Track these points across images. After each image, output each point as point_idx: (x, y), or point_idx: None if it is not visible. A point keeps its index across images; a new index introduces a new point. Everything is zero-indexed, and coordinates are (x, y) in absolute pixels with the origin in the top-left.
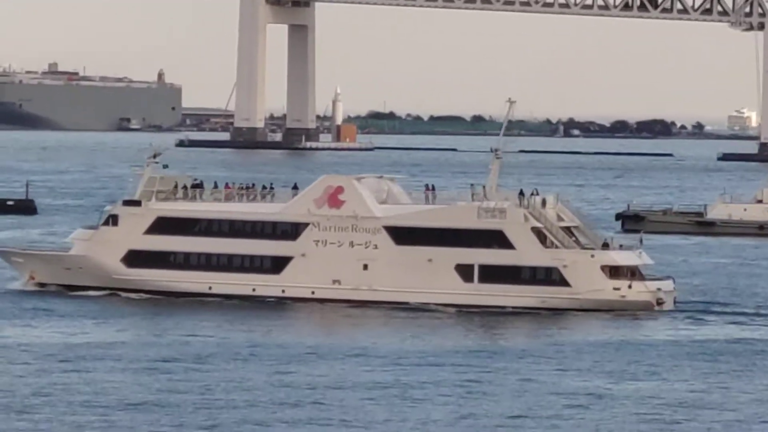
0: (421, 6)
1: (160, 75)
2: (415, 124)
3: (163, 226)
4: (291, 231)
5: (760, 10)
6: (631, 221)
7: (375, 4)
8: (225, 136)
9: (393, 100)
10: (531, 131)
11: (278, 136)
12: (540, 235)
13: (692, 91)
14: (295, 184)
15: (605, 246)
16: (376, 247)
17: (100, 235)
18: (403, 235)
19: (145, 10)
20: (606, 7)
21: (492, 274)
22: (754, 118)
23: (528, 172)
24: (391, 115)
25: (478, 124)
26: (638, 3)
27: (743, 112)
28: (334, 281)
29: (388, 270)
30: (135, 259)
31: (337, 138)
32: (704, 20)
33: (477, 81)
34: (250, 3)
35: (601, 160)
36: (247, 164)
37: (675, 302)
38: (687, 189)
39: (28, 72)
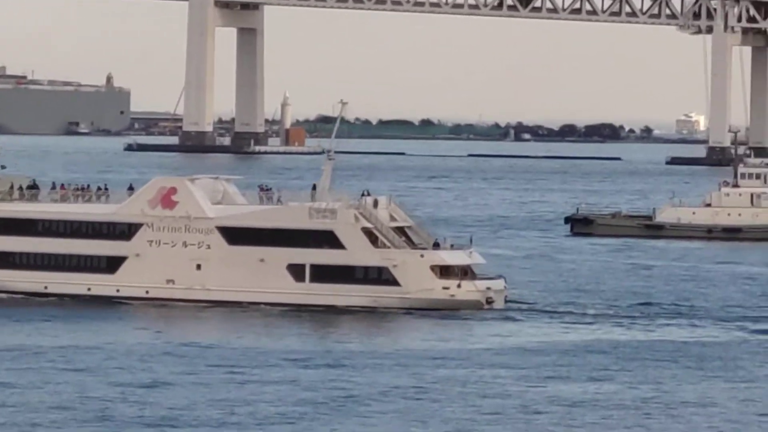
0: (370, 9)
1: (109, 79)
2: (364, 128)
3: None
4: (125, 231)
5: (708, 14)
6: (581, 224)
7: (324, 7)
8: (174, 140)
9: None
10: (480, 135)
11: (227, 140)
12: (370, 236)
13: (641, 94)
14: (131, 185)
15: (436, 246)
16: (209, 247)
17: None
18: (236, 235)
19: (94, 14)
20: (555, 10)
21: (323, 273)
22: (702, 122)
23: (476, 176)
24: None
25: (427, 128)
26: (587, 7)
27: (691, 116)
28: (168, 281)
29: (221, 270)
30: None
31: (286, 142)
32: (653, 23)
33: (426, 85)
34: (199, 6)
35: (549, 164)
36: (195, 168)
37: (505, 301)
38: (636, 192)
39: None
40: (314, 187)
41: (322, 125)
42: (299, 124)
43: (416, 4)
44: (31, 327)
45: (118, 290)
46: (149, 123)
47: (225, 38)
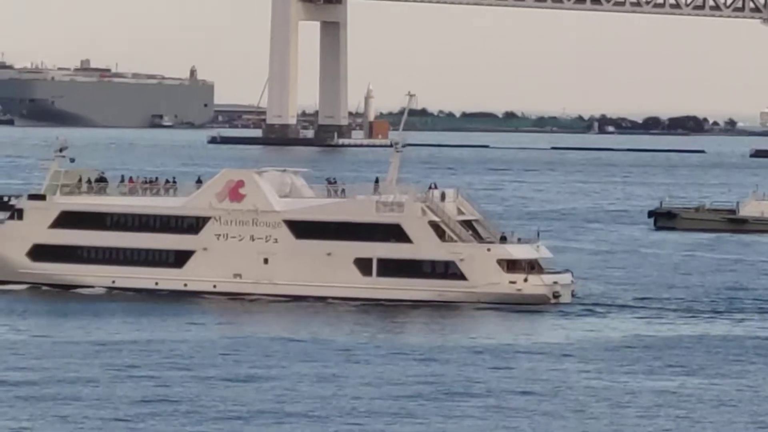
0: (452, 2)
1: (193, 72)
2: (447, 121)
3: (67, 220)
4: (193, 225)
5: None
6: (664, 218)
7: (407, 1)
8: (257, 133)
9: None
10: (564, 128)
11: (310, 133)
12: (437, 229)
13: (724, 87)
14: (199, 178)
15: (503, 240)
16: (276, 240)
17: (6, 230)
18: (303, 229)
19: (177, 7)
20: (638, 4)
21: (390, 267)
22: None
23: (559, 169)
24: (423, 112)
25: (510, 121)
26: (671, 0)
27: None
28: (235, 275)
29: (288, 263)
30: (40, 253)
31: (370, 135)
32: (736, 17)
33: (509, 77)
34: (283, 0)
35: (633, 157)
36: (278, 161)
37: (573, 295)
38: (719, 186)
39: (60, 69)
40: (377, 181)
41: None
42: (383, 116)
43: None
44: (109, 321)
45: (185, 284)
46: (233, 116)
47: (308, 31)
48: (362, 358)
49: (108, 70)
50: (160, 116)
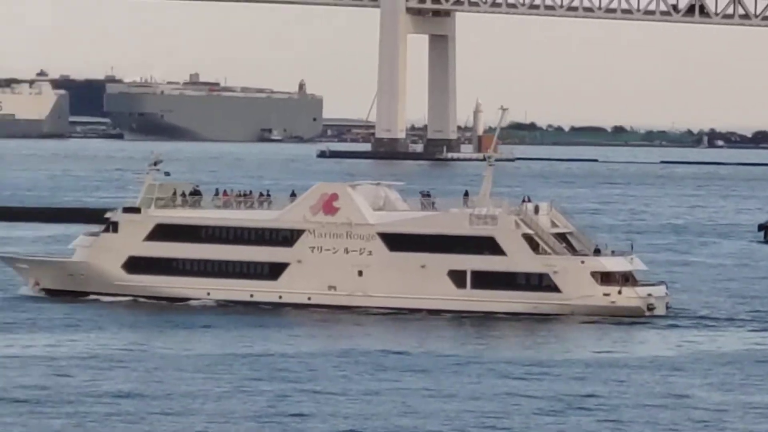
0: (561, 16)
1: (302, 86)
2: (556, 135)
3: (162, 233)
4: (287, 237)
5: None
6: None
7: (515, 14)
8: (366, 146)
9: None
10: (673, 142)
11: (419, 147)
12: (531, 242)
13: None
14: (293, 191)
15: (597, 252)
16: (370, 253)
17: (101, 242)
18: (397, 242)
19: (286, 21)
20: (747, 16)
21: (484, 280)
22: None
23: (668, 183)
24: (532, 126)
25: (619, 135)
26: None
27: None
28: (330, 287)
29: (382, 276)
30: (135, 265)
31: (479, 149)
32: None
33: (618, 91)
34: (391, 13)
35: (743, 171)
36: (387, 175)
37: (667, 308)
38: None
39: (169, 83)
40: (466, 194)
41: (514, 132)
42: (491, 131)
43: (608, 11)
44: (216, 334)
45: (280, 297)
46: (341, 130)
47: (417, 45)
48: (470, 372)
49: (217, 84)
50: (269, 130)
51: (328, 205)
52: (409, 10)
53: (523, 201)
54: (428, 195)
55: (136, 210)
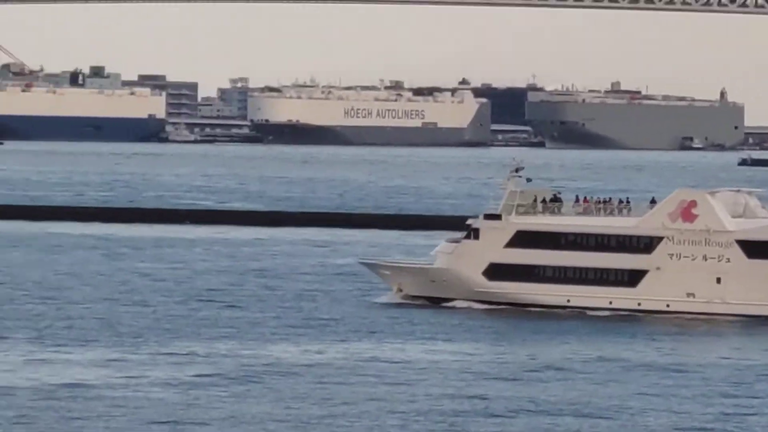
0: None
1: (723, 94)
2: None
3: (522, 239)
4: (646, 244)
5: None
6: None
7: None
8: None
9: None
10: None
11: None
12: None
13: None
14: (653, 198)
15: None
16: (728, 260)
17: (462, 249)
18: (756, 249)
19: (706, 31)
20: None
21: None
22: None
23: None
24: None
25: None
26: None
27: None
28: (688, 294)
29: (740, 283)
30: (496, 272)
31: None
32: None
33: None
34: None
35: None
36: None
37: None
38: None
39: (591, 91)
40: None
41: None
42: None
43: None
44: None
45: (639, 304)
46: (763, 137)
47: None
48: None
49: (638, 93)
50: (690, 138)
51: (687, 212)
52: None
53: None
54: None
55: (497, 217)
